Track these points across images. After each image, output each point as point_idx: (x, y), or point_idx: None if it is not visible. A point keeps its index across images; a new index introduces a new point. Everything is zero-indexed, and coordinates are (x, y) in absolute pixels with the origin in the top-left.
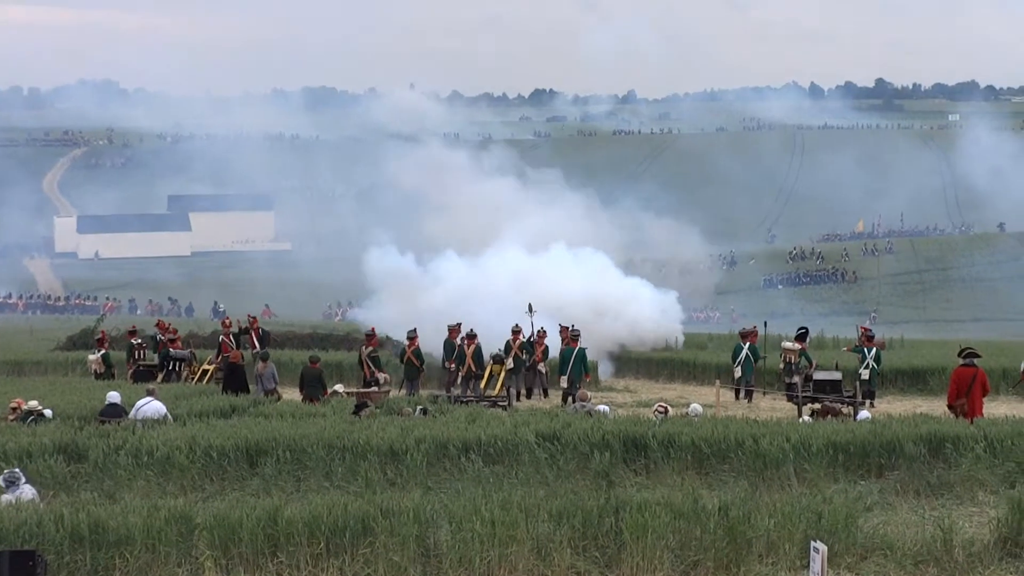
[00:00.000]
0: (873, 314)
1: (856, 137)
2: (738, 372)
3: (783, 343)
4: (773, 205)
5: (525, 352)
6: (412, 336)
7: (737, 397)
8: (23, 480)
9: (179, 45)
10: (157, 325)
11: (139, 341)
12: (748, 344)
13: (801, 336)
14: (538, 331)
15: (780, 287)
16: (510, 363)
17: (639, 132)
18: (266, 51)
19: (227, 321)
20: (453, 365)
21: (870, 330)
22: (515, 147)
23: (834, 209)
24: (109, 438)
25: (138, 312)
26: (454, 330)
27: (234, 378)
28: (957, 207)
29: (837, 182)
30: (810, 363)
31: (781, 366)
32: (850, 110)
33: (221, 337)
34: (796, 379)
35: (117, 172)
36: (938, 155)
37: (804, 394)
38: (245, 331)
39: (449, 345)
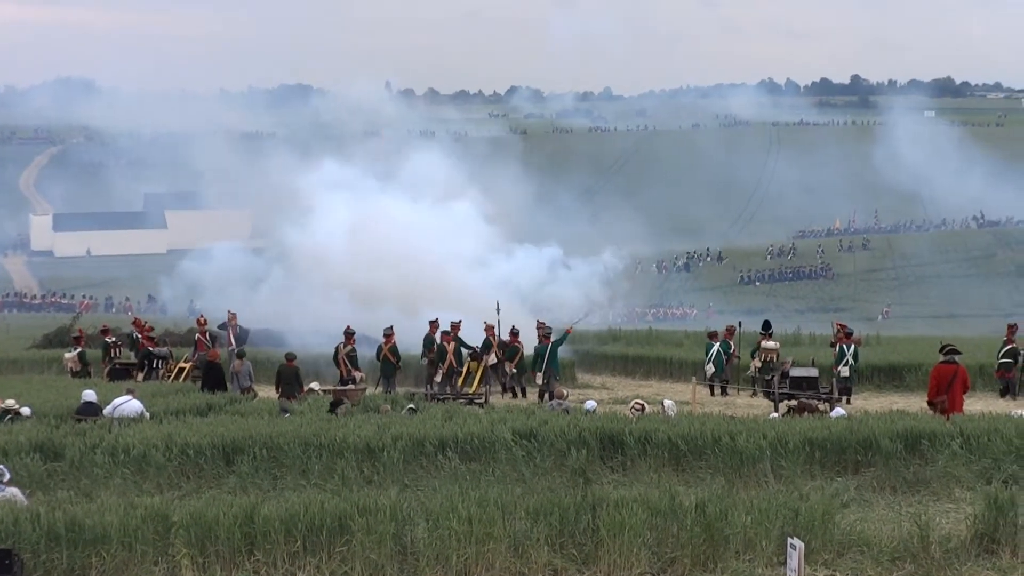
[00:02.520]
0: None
1: (831, 133)
2: (711, 369)
3: (763, 343)
4: (748, 202)
5: (501, 349)
6: (388, 333)
7: (712, 393)
8: (7, 476)
9: (155, 43)
10: (134, 323)
11: (114, 339)
12: (719, 342)
13: (768, 333)
14: (510, 330)
15: (758, 283)
16: (492, 359)
17: (615, 129)
18: (243, 49)
19: (202, 319)
20: (431, 359)
21: (847, 326)
22: (489, 144)
23: (810, 206)
24: (85, 436)
25: (113, 310)
26: (434, 325)
27: (212, 376)
28: (933, 203)
29: (812, 179)
30: (777, 358)
31: (759, 365)
32: (825, 107)
33: (197, 335)
34: (774, 376)
35: (93, 170)
36: (913, 152)
37: (781, 390)
38: (222, 327)
39: (429, 340)
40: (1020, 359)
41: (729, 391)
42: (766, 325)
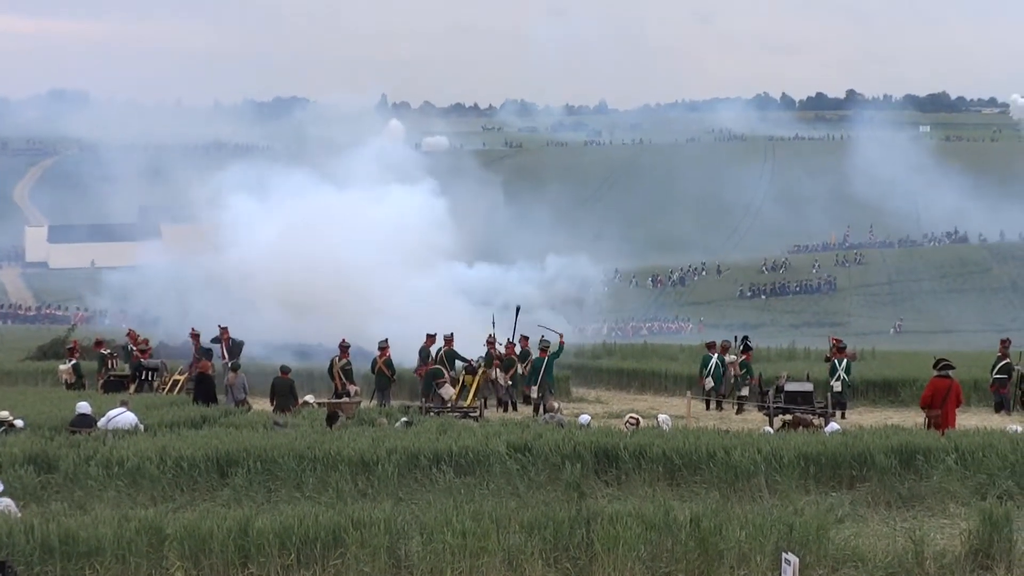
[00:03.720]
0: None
1: (827, 148)
2: (709, 383)
3: (726, 356)
4: (743, 216)
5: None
6: (383, 346)
7: (708, 407)
8: (0, 488)
9: (150, 56)
10: (128, 335)
11: (110, 351)
12: (717, 354)
13: (745, 347)
14: (506, 342)
15: (763, 297)
16: (493, 374)
17: (609, 142)
18: (238, 62)
19: (193, 331)
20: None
21: (841, 341)
22: (482, 157)
23: (805, 220)
24: (79, 448)
25: (106, 322)
26: (430, 338)
27: (202, 388)
28: (929, 219)
29: (807, 193)
30: (751, 375)
31: (732, 380)
32: (821, 121)
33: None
34: (744, 391)
35: (88, 182)
36: (907, 166)
37: (776, 405)
38: (215, 341)
39: (425, 353)
40: (1014, 374)
41: (724, 405)
42: (738, 340)
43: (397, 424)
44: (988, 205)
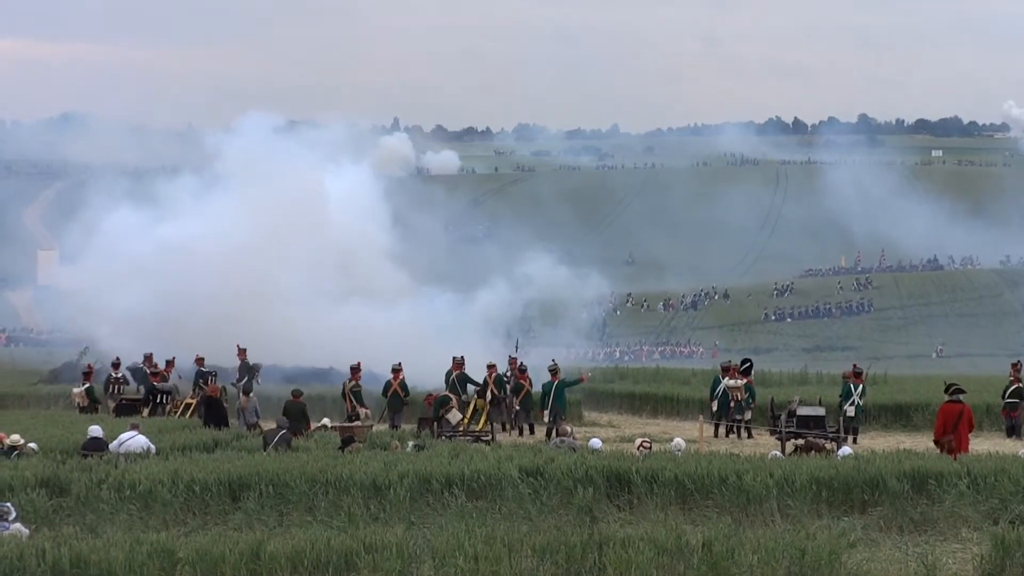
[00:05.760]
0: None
1: (839, 172)
2: (714, 406)
3: (727, 381)
4: (755, 240)
5: (499, 387)
6: (397, 369)
7: (716, 433)
8: (13, 515)
9: (163, 79)
10: (145, 359)
11: (120, 375)
12: (726, 379)
13: (746, 370)
14: (517, 366)
15: (788, 320)
16: (489, 395)
17: (622, 167)
18: (252, 86)
19: (199, 358)
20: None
21: (857, 366)
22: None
23: (817, 244)
24: (92, 472)
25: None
26: (456, 363)
27: (212, 412)
28: (939, 243)
29: (820, 217)
30: (753, 399)
31: (732, 404)
32: (834, 145)
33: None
34: (748, 415)
35: (99, 204)
36: (920, 191)
37: (788, 430)
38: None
39: (451, 378)
40: None
41: (729, 429)
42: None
43: (408, 448)
44: (998, 230)
